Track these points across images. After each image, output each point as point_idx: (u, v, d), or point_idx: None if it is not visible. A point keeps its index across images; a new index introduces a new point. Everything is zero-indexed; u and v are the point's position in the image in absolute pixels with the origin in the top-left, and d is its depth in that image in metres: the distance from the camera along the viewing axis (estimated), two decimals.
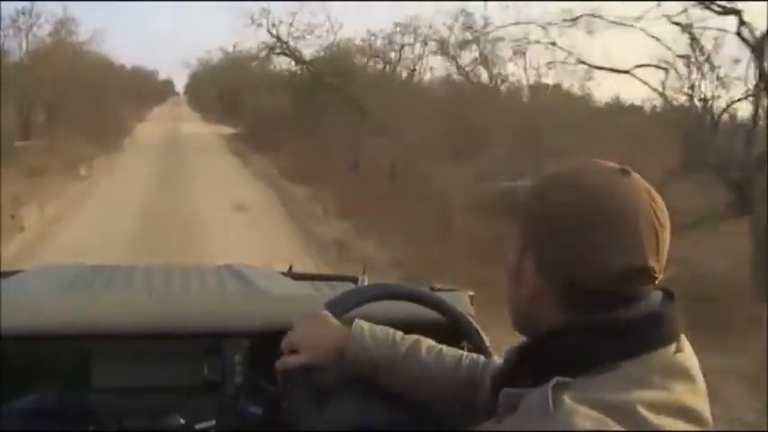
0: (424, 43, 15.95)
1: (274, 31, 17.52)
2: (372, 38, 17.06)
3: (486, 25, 13.80)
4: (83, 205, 10.16)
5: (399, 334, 1.06)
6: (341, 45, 17.61)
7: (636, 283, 0.72)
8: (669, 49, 7.94)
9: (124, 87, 34.96)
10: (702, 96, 8.01)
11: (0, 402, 1.15)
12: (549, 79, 13.44)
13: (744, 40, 6.62)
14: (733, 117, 8.47)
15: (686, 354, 0.73)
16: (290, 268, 1.93)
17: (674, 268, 0.85)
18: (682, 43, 7.85)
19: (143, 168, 14.53)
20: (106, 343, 1.23)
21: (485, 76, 14.88)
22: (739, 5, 6.56)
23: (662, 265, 0.72)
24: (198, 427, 1.24)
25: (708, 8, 6.86)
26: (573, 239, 0.71)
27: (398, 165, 12.40)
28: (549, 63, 10.90)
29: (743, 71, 7.40)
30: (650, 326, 0.72)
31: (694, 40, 7.64)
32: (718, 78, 7.85)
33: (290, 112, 21.92)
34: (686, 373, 0.71)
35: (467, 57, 14.77)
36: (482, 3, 17.27)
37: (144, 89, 50.10)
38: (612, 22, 8.57)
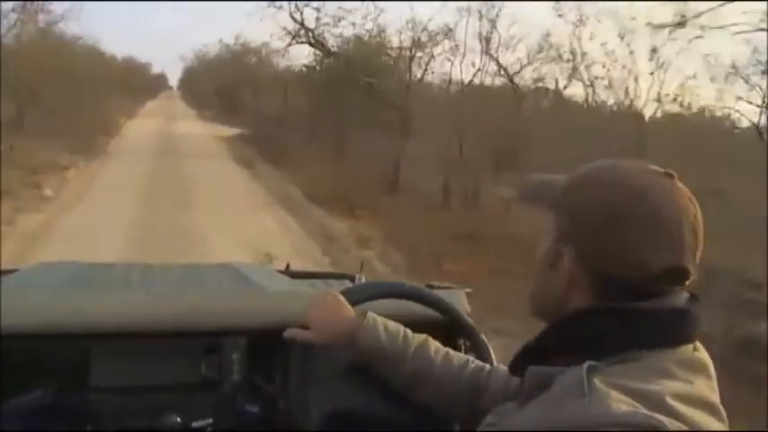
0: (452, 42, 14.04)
1: (298, 16, 14.99)
2: (408, 31, 14.68)
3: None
4: (30, 255, 6.45)
5: (409, 331, 1.14)
6: (378, 38, 15.36)
7: (670, 281, 0.77)
8: None
9: (114, 80, 33.52)
10: None
11: None
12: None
13: None
14: None
15: (704, 353, 0.78)
16: (288, 266, 1.95)
17: None
18: None
19: (129, 185, 11.80)
20: (104, 341, 1.27)
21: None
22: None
23: (695, 268, 0.77)
24: (195, 425, 1.28)
25: None
26: (613, 233, 0.76)
27: (451, 183, 11.04)
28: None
29: None
30: (675, 320, 0.77)
31: None
32: None
33: (308, 113, 19.71)
34: (706, 370, 0.77)
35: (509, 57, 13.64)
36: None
37: (135, 83, 49.03)
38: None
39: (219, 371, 1.32)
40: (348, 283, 1.59)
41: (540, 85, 13.70)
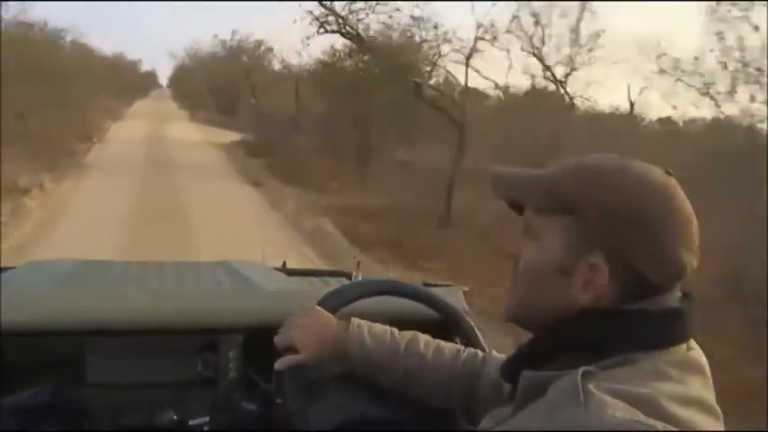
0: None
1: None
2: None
3: None
4: None
5: (396, 331, 1.19)
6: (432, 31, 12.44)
7: (680, 277, 0.81)
8: None
9: (100, 78, 31.29)
10: None
11: None
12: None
13: None
14: None
15: (698, 352, 0.82)
16: (284, 264, 1.98)
17: None
18: None
19: (107, 222, 8.48)
20: (100, 339, 1.34)
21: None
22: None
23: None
24: (192, 423, 1.34)
25: None
26: (649, 233, 0.78)
27: None
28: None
29: None
30: (670, 321, 0.80)
31: None
32: None
33: (325, 116, 17.00)
34: (701, 369, 0.80)
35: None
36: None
37: (124, 81, 48.30)
38: None
39: (216, 368, 1.37)
40: (345, 281, 1.64)
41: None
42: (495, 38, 12.05)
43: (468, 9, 18.39)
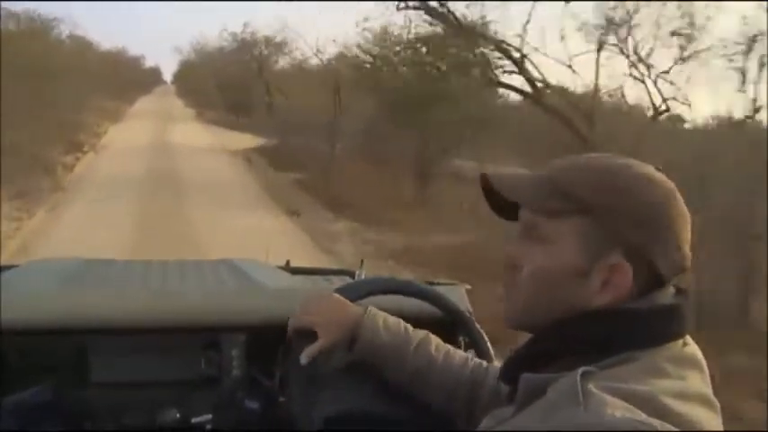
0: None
1: None
2: None
3: None
4: None
5: (410, 327, 1.21)
6: None
7: (684, 270, 0.85)
8: None
9: (99, 74, 28.97)
10: None
11: None
12: None
13: None
14: None
15: (694, 347, 0.86)
16: (288, 263, 1.99)
17: None
18: None
19: None
20: (103, 337, 1.37)
21: None
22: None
23: None
24: (195, 421, 1.36)
25: None
26: (665, 231, 0.82)
27: None
28: None
29: None
30: (666, 318, 0.83)
31: None
32: None
33: (374, 120, 13.40)
34: (698, 364, 0.83)
35: None
36: None
37: (125, 77, 44.85)
38: None
39: (219, 367, 1.41)
40: (348, 280, 1.68)
41: None
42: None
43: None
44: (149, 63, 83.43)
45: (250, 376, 1.37)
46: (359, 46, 13.39)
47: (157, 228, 8.36)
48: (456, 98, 10.53)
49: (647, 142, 8.94)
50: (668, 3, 9.80)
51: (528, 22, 9.56)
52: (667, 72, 9.81)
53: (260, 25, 29.15)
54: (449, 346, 1.21)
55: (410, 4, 9.82)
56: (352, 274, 1.73)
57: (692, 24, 9.51)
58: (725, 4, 14.01)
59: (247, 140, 20.47)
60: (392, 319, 1.19)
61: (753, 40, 8.38)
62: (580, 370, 0.74)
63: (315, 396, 1.12)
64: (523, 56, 9.73)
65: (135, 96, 44.23)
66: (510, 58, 9.93)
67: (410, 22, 11.18)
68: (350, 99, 15.45)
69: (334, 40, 15.20)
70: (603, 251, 0.81)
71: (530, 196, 0.87)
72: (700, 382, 0.80)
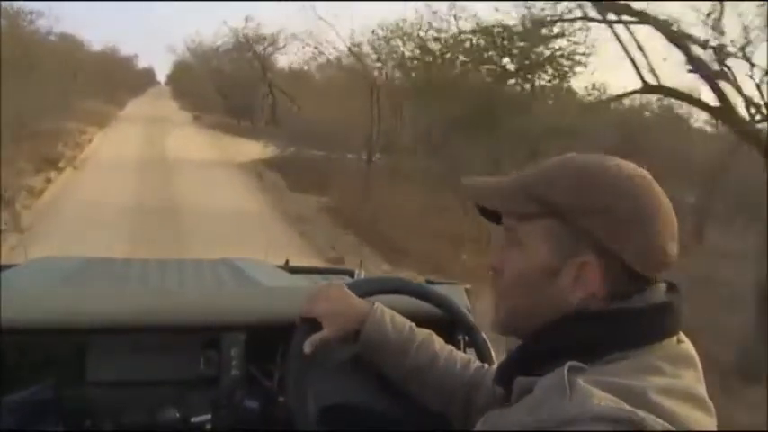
0: None
1: None
2: None
3: None
4: None
5: (414, 325, 1.25)
6: None
7: (666, 265, 0.87)
8: None
9: (87, 75, 27.59)
10: None
11: None
12: None
13: None
14: None
15: (688, 344, 0.87)
16: (287, 262, 1.99)
17: None
18: None
19: None
20: (102, 336, 1.38)
21: None
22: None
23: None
24: (194, 420, 1.36)
25: None
26: (628, 225, 0.83)
27: None
28: None
29: None
30: (659, 316, 0.84)
31: None
32: None
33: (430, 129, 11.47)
34: (692, 362, 0.84)
35: None
36: None
37: (116, 78, 42.53)
38: None
39: (218, 366, 1.41)
40: (348, 279, 1.71)
41: None
42: None
43: None
44: (142, 64, 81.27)
45: (249, 375, 1.38)
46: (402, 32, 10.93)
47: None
48: (544, 105, 8.20)
49: None
50: None
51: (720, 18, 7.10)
52: None
53: (263, 20, 26.78)
54: (451, 348, 1.23)
55: None
56: (351, 274, 1.74)
57: None
58: None
59: (254, 149, 18.06)
60: (398, 317, 1.20)
61: None
62: (567, 364, 0.76)
63: (312, 385, 1.13)
64: (722, 60, 7.21)
65: (126, 99, 42.61)
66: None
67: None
68: (386, 101, 12.91)
69: (373, 31, 12.86)
70: (573, 250, 0.83)
71: (504, 202, 0.90)
72: (693, 380, 0.81)
